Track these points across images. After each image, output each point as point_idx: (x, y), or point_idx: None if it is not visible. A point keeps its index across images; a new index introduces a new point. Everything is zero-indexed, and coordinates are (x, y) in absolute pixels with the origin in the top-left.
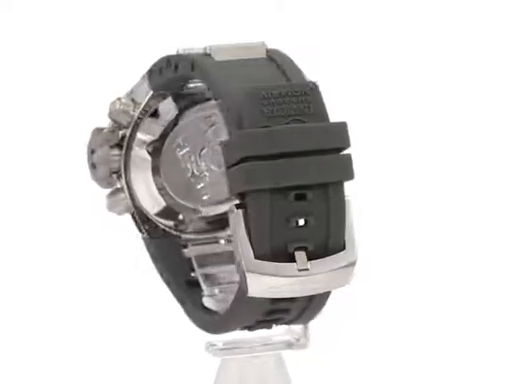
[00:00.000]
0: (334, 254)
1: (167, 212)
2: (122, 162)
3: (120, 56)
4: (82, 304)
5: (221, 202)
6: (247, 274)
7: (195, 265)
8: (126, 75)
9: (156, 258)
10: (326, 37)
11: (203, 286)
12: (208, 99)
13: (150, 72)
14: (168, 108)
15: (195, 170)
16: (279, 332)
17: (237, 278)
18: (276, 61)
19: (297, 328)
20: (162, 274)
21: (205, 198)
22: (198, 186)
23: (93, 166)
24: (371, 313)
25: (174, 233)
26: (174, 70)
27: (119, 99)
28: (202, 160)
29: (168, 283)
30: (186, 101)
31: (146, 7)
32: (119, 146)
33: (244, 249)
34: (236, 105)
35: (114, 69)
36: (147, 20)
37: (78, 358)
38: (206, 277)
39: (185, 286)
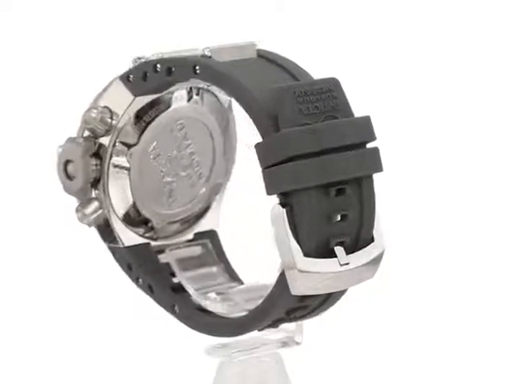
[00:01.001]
0: (365, 246)
1: (140, 219)
2: (101, 172)
3: (120, 56)
4: (82, 304)
5: (186, 206)
6: (298, 273)
7: (177, 269)
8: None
9: (131, 265)
10: (325, 37)
11: (190, 290)
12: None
13: (127, 77)
14: (146, 113)
15: (165, 175)
16: (272, 331)
17: (222, 278)
18: (273, 60)
19: (290, 326)
20: (139, 282)
21: (172, 202)
22: (167, 191)
23: (68, 178)
24: (371, 313)
25: (146, 240)
26: (167, 75)
27: (96, 108)
28: (171, 164)
29: (150, 291)
30: (164, 105)
31: (146, 7)
32: (97, 154)
33: (292, 248)
34: (271, 105)
35: (113, 69)
36: (147, 20)
37: (78, 358)
38: (192, 280)
39: (170, 291)
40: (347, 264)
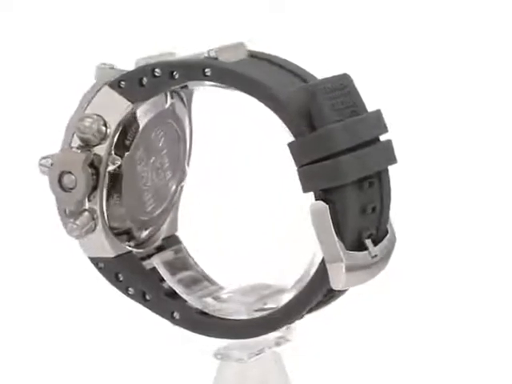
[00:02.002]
0: (384, 238)
1: (124, 227)
2: (97, 181)
3: (119, 54)
4: (82, 304)
5: (158, 212)
6: (342, 268)
7: (167, 274)
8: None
9: (118, 275)
10: (324, 37)
11: (184, 294)
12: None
13: (118, 84)
14: (140, 119)
15: (146, 181)
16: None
17: (206, 282)
18: (266, 59)
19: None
20: (129, 292)
21: (149, 208)
22: (145, 197)
23: (63, 190)
24: (371, 313)
25: (129, 248)
26: (169, 79)
27: (90, 116)
28: (150, 170)
29: (143, 299)
30: (153, 110)
31: (147, 7)
32: (92, 164)
33: (337, 243)
34: (301, 103)
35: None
36: (147, 20)
37: (77, 358)
38: (183, 284)
39: (166, 297)
40: (376, 256)
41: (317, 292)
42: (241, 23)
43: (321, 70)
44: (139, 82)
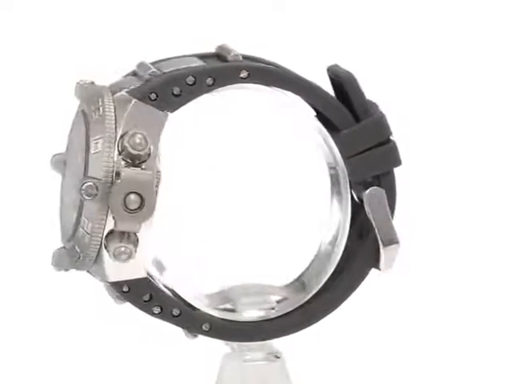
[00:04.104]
0: None
1: None
2: None
3: (119, 55)
4: (82, 304)
5: None
6: (398, 249)
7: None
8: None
9: (152, 296)
10: (324, 37)
11: (204, 307)
12: None
13: (148, 97)
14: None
15: None
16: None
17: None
18: (260, 60)
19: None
20: (154, 311)
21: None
22: None
23: (126, 210)
24: (372, 313)
25: None
26: (205, 85)
27: (136, 132)
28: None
29: (172, 316)
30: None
31: (147, 7)
32: None
33: (394, 227)
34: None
35: (112, 69)
36: (147, 20)
37: (80, 357)
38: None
39: (192, 310)
40: None
41: (365, 274)
42: (241, 23)
43: (321, 69)
44: (172, 93)
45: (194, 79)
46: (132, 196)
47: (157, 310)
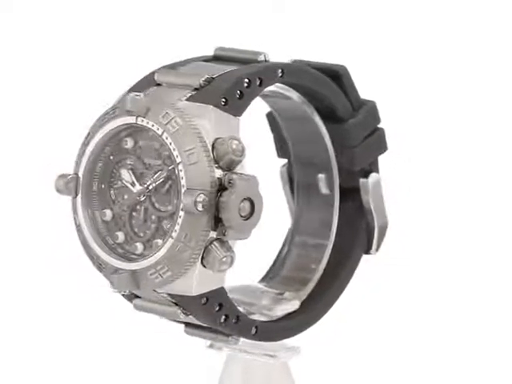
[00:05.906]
0: None
1: None
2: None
3: (119, 55)
4: (82, 303)
5: None
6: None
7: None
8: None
9: (223, 304)
10: (324, 37)
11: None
12: None
13: (225, 103)
14: None
15: None
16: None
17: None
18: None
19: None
20: (221, 320)
21: None
22: None
23: (241, 217)
24: (373, 313)
25: None
26: (258, 86)
27: (233, 138)
28: None
29: (235, 322)
30: None
31: (147, 7)
32: None
33: (386, 210)
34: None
35: (112, 69)
36: (147, 20)
37: (81, 357)
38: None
39: (242, 315)
40: None
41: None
42: (241, 23)
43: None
44: (239, 96)
45: (248, 81)
46: (245, 203)
47: (223, 318)
